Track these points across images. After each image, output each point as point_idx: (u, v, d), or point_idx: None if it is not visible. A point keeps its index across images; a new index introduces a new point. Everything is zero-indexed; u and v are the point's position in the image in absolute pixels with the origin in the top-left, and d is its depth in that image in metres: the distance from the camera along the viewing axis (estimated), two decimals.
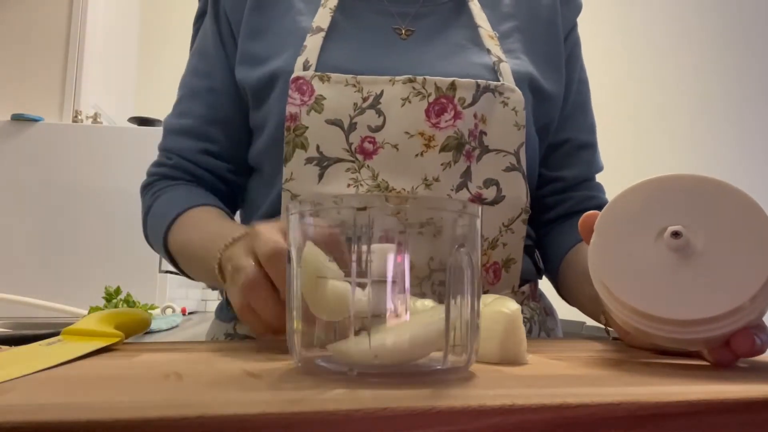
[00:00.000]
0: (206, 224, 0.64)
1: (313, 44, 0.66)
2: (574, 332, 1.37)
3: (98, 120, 1.97)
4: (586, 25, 0.80)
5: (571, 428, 0.24)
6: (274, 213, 0.67)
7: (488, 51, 0.69)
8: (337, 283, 0.30)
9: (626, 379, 0.31)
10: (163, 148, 0.75)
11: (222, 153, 0.73)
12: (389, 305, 0.29)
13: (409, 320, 0.30)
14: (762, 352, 0.37)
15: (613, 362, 0.39)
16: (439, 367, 0.30)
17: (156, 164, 0.76)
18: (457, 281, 0.30)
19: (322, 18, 0.68)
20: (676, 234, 0.37)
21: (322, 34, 0.67)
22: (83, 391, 0.26)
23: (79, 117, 1.96)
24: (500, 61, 0.68)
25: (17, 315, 1.03)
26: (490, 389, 0.26)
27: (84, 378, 0.29)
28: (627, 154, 2.79)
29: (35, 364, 0.32)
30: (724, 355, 0.37)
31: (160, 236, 0.68)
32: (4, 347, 0.41)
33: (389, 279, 0.29)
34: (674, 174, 0.40)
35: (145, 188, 0.76)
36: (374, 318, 0.29)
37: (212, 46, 0.74)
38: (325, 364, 0.31)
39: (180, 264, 0.69)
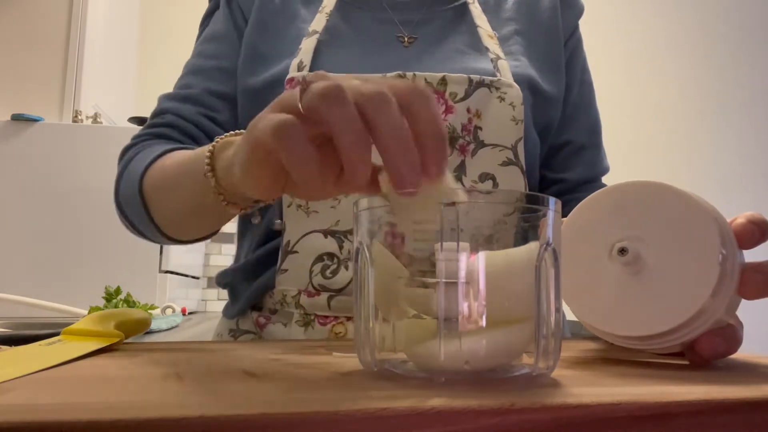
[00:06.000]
0: (189, 152, 0.55)
1: (306, 47, 0.67)
2: (574, 332, 1.37)
3: (98, 120, 1.97)
4: (584, 26, 0.80)
5: (571, 428, 0.24)
6: (273, 221, 0.66)
7: (486, 48, 0.69)
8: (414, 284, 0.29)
9: (626, 379, 0.31)
10: (156, 112, 0.69)
11: (226, 125, 0.69)
12: (478, 308, 0.28)
13: (494, 325, 0.28)
14: (730, 353, 0.37)
15: (612, 362, 0.39)
16: (525, 372, 0.29)
17: (144, 127, 0.68)
18: (544, 282, 0.29)
19: (318, 22, 0.69)
20: (622, 251, 0.37)
21: (317, 36, 0.67)
22: (83, 391, 0.25)
23: (79, 117, 1.96)
24: (498, 58, 0.68)
25: (17, 315, 1.03)
26: (490, 389, 0.26)
27: (84, 378, 0.29)
28: (626, 155, 2.79)
29: (35, 364, 0.32)
30: (694, 357, 0.37)
31: (135, 182, 0.59)
32: (4, 347, 0.41)
33: (482, 280, 0.28)
34: (626, 183, 0.39)
35: (124, 152, 0.67)
36: (451, 322, 0.27)
37: (224, 30, 0.73)
38: (395, 370, 0.30)
39: (157, 202, 0.59)
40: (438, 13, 0.73)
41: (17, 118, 1.79)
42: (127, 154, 0.66)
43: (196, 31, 0.80)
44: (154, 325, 0.83)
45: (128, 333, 0.48)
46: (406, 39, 0.70)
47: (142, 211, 0.60)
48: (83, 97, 2.04)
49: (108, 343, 0.41)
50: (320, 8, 0.71)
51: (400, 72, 0.63)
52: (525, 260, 0.29)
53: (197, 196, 0.48)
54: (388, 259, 0.30)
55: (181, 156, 0.55)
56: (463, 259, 0.27)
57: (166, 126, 0.67)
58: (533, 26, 0.74)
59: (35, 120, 1.80)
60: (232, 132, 0.46)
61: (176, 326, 1.05)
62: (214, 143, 0.45)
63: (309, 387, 0.27)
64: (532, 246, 0.30)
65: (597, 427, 0.24)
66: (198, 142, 0.66)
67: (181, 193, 0.54)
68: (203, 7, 0.82)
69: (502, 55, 0.69)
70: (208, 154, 0.45)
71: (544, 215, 0.30)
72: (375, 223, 0.31)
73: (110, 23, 2.33)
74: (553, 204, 0.30)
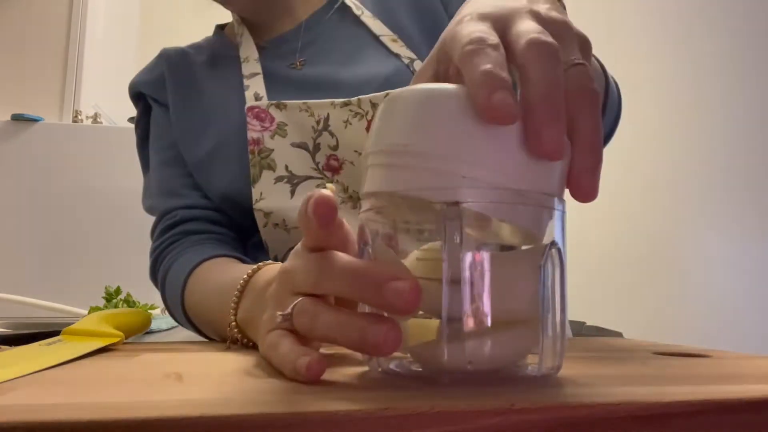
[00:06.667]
0: (217, 292, 0.59)
1: (254, 83, 0.72)
2: (574, 331, 1.37)
3: (98, 120, 1.97)
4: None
5: (571, 428, 0.24)
6: (256, 242, 0.70)
7: (398, 55, 0.71)
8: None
9: (626, 379, 0.31)
10: (162, 214, 0.74)
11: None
12: (482, 308, 0.27)
13: (498, 325, 0.28)
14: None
15: (613, 362, 0.39)
16: (530, 373, 0.29)
17: (157, 236, 0.74)
18: (549, 282, 0.29)
19: (251, 67, 0.75)
20: None
21: (260, 75, 0.73)
22: (83, 391, 0.25)
23: (79, 117, 1.96)
24: (413, 60, 0.70)
25: (17, 315, 1.03)
26: (490, 389, 0.26)
27: (84, 378, 0.29)
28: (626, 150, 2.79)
29: (35, 364, 0.32)
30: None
31: (178, 304, 0.65)
32: (4, 347, 0.41)
33: (487, 280, 0.27)
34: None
35: (153, 269, 0.73)
36: (455, 321, 0.27)
37: (166, 126, 0.78)
38: (399, 370, 0.30)
39: (199, 325, 0.64)
40: (318, 29, 0.77)
41: (17, 118, 1.79)
42: (158, 274, 0.71)
43: (196, 32, 0.84)
44: (154, 325, 0.83)
45: (128, 333, 0.48)
46: (297, 63, 0.75)
47: (189, 325, 0.65)
48: (83, 97, 2.04)
49: (108, 343, 0.41)
50: (244, 59, 0.76)
51: (345, 99, 0.67)
52: (530, 260, 0.29)
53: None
54: (392, 259, 0.30)
55: (212, 293, 0.58)
56: (467, 259, 0.27)
57: (179, 223, 0.72)
58: (422, 12, 0.75)
59: (35, 120, 1.80)
60: (232, 311, 0.45)
61: (176, 326, 1.05)
62: (233, 320, 0.45)
63: (309, 387, 0.27)
64: (537, 246, 0.30)
65: (597, 427, 0.24)
66: (211, 220, 0.72)
67: (218, 332, 0.57)
68: (203, 8, 0.83)
69: (413, 55, 0.71)
70: (232, 316, 0.45)
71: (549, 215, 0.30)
72: (379, 224, 0.31)
73: (110, 23, 2.33)
74: (559, 203, 0.30)
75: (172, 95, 0.77)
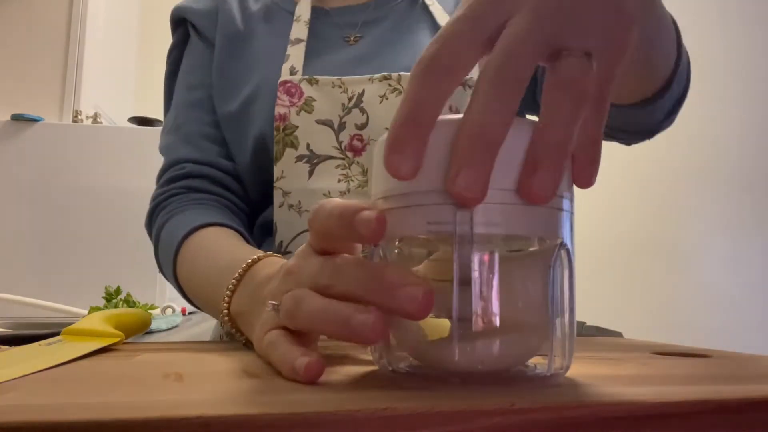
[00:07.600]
0: (209, 258, 0.58)
1: (296, 53, 0.70)
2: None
3: (98, 120, 1.97)
4: None
5: (571, 428, 0.24)
6: (267, 218, 0.69)
7: None
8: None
9: (626, 379, 0.31)
10: (172, 162, 0.71)
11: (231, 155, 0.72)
12: (492, 308, 0.27)
13: (508, 325, 0.28)
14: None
15: (613, 362, 0.39)
16: (540, 373, 0.30)
17: (162, 184, 0.71)
18: (558, 282, 0.29)
19: (299, 30, 0.73)
20: None
21: (303, 44, 0.71)
22: (83, 391, 0.25)
23: (79, 117, 1.96)
24: None
25: (17, 315, 1.03)
26: (490, 389, 0.26)
27: (84, 378, 0.29)
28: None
29: (35, 364, 0.32)
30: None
31: (170, 265, 0.63)
32: (4, 347, 0.41)
33: (495, 280, 0.27)
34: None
35: (150, 217, 0.70)
36: (465, 322, 0.27)
37: (202, 60, 0.75)
38: (411, 370, 0.30)
39: (188, 292, 0.63)
40: (386, 12, 0.76)
41: (17, 118, 1.79)
42: (157, 219, 0.68)
43: None
44: (154, 325, 0.83)
45: (128, 333, 0.48)
46: (351, 38, 0.74)
47: (178, 289, 0.64)
48: (83, 97, 2.04)
49: (108, 343, 0.41)
50: (296, 18, 0.74)
51: (384, 73, 0.66)
52: (539, 260, 0.29)
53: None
54: (400, 262, 0.30)
55: (206, 270, 0.56)
56: (477, 260, 0.27)
57: (186, 177, 0.69)
58: None
59: (35, 120, 1.80)
60: (228, 293, 0.45)
61: (176, 326, 1.05)
62: (226, 306, 0.45)
63: (309, 387, 0.27)
64: (547, 246, 0.30)
65: (597, 427, 0.24)
66: (221, 183, 0.70)
67: (207, 308, 0.57)
68: None
69: None
70: (225, 306, 0.44)
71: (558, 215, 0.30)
72: (392, 225, 0.31)
73: (110, 23, 2.33)
74: (567, 204, 0.30)
75: (221, 37, 0.75)
